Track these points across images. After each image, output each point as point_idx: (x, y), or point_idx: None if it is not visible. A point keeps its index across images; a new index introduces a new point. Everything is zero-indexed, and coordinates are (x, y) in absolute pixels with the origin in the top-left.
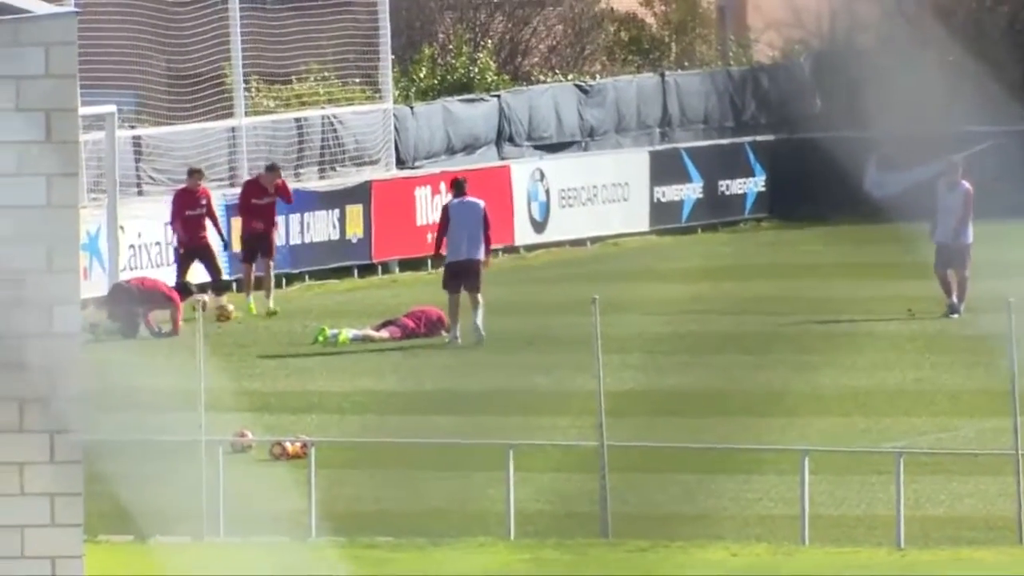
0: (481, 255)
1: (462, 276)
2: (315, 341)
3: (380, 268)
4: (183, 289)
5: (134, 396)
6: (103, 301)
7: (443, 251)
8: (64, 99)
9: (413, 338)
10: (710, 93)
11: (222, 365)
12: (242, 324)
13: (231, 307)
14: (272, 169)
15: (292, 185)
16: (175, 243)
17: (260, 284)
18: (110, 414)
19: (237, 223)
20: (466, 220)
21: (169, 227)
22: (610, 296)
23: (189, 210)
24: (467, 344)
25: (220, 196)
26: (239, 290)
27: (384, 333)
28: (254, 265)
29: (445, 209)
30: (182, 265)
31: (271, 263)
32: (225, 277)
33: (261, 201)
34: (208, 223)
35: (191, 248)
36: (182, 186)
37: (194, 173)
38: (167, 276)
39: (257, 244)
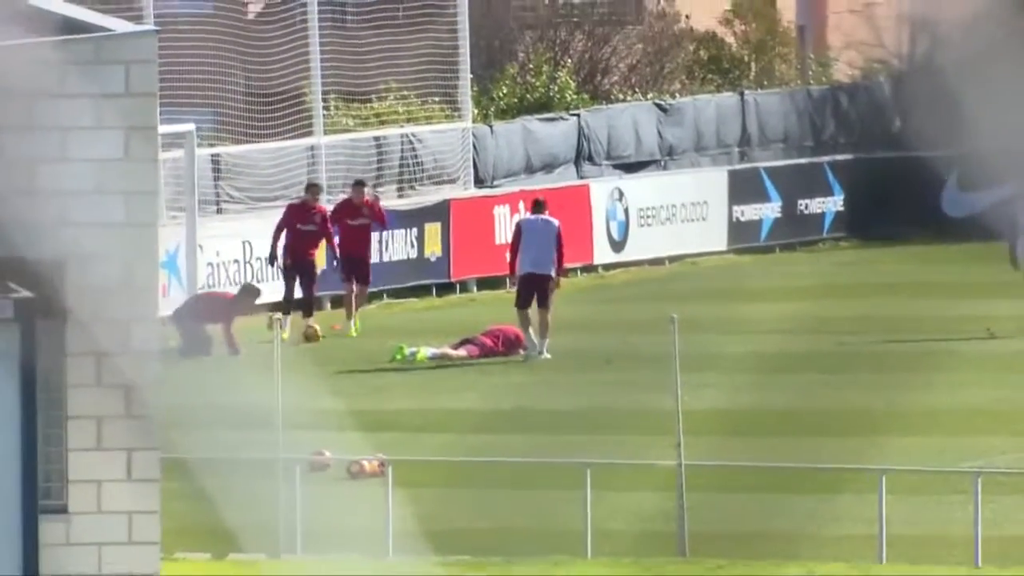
0: (551, 271)
1: (531, 289)
2: (393, 359)
3: (458, 287)
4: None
5: (211, 414)
6: (171, 319)
7: (514, 271)
8: (144, 117)
9: (491, 357)
10: (789, 112)
11: (300, 383)
12: (323, 342)
13: (318, 328)
14: (358, 184)
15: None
16: (279, 256)
17: (349, 304)
18: (187, 432)
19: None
20: (538, 236)
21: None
22: (688, 315)
23: (301, 224)
24: (544, 363)
25: None
26: (333, 308)
27: (462, 352)
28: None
29: (518, 225)
30: (288, 281)
31: (364, 288)
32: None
33: (355, 222)
34: (321, 241)
35: (296, 263)
36: (297, 200)
37: (311, 188)
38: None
39: (352, 268)
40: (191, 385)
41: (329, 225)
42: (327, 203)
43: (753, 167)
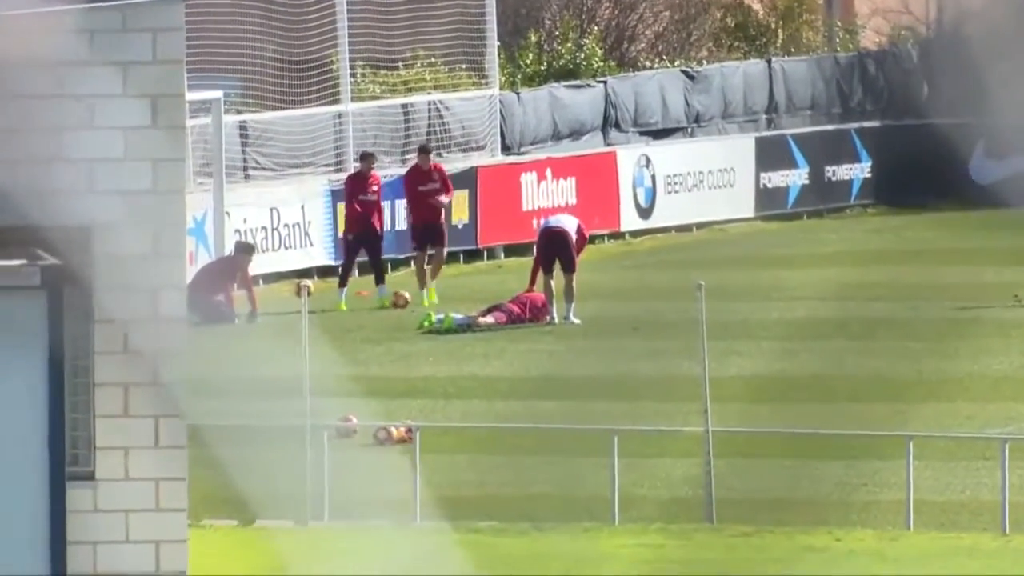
0: (572, 230)
1: (552, 251)
2: (420, 326)
3: (486, 253)
4: (344, 281)
5: (240, 381)
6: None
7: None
8: (171, 84)
9: (518, 324)
10: (816, 79)
11: (327, 351)
12: (349, 312)
13: (406, 294)
14: (424, 150)
15: (398, 171)
16: (344, 230)
17: (422, 272)
18: (215, 399)
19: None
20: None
21: (337, 212)
22: (715, 282)
23: (361, 195)
24: (571, 330)
25: (326, 182)
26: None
27: (489, 319)
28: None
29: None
30: (349, 253)
31: (441, 252)
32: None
33: (425, 188)
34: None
35: (360, 234)
36: (354, 170)
37: (367, 157)
38: (272, 262)
39: (427, 234)
40: (216, 353)
41: (380, 194)
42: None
43: (780, 134)
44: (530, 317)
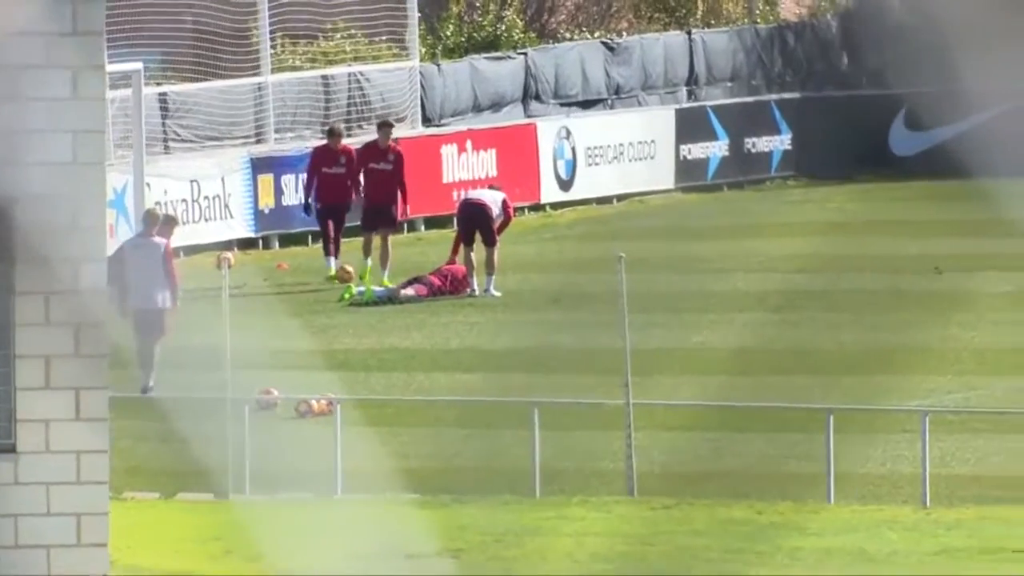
0: (495, 205)
1: (474, 224)
2: (341, 299)
3: (406, 226)
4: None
5: (161, 354)
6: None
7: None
8: (91, 56)
9: (439, 296)
10: (736, 51)
11: (248, 324)
12: (267, 283)
13: (350, 268)
14: (385, 126)
15: (320, 142)
16: (311, 200)
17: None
18: (136, 371)
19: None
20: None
21: (302, 184)
22: (636, 254)
23: (326, 168)
24: (492, 302)
25: (246, 153)
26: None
27: (410, 291)
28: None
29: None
30: (322, 222)
31: (388, 233)
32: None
33: (379, 166)
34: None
35: (329, 205)
36: (322, 142)
37: (332, 133)
38: (193, 234)
39: (376, 215)
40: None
41: (355, 165)
42: (274, 142)
43: (700, 106)
44: (451, 289)
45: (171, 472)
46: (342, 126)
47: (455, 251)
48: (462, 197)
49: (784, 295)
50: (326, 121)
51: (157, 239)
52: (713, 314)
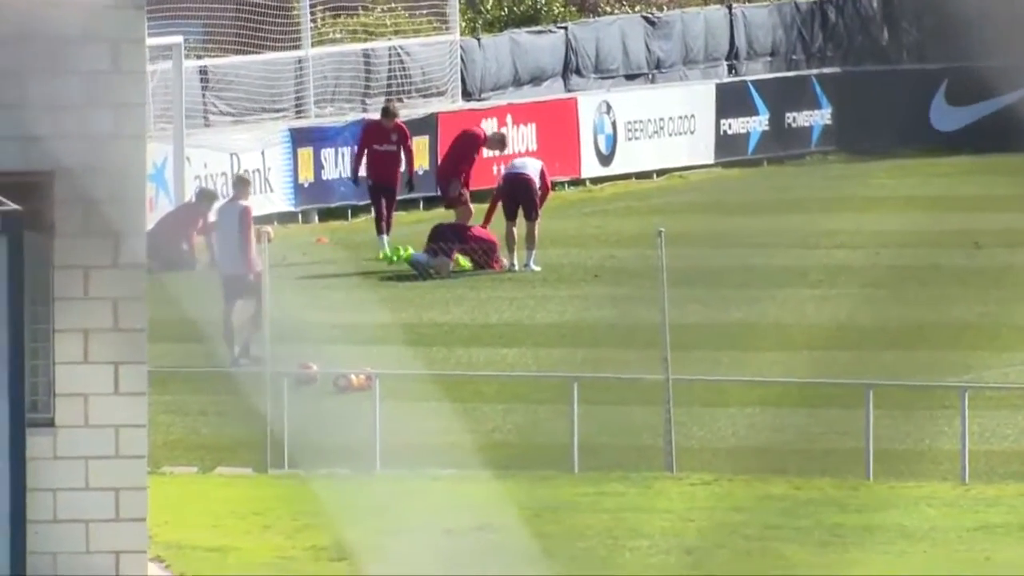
0: (535, 175)
1: (516, 197)
2: (387, 259)
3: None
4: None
5: (199, 328)
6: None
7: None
8: (132, 29)
9: (469, 255)
10: (777, 25)
11: (287, 298)
12: (306, 257)
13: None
14: (389, 110)
15: (360, 116)
16: (363, 176)
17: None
18: (173, 345)
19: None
20: (520, 166)
21: (344, 158)
22: (676, 229)
23: (378, 144)
24: (532, 277)
25: (285, 127)
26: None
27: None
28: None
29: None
30: (374, 199)
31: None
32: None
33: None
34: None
35: (379, 184)
36: (375, 118)
37: (386, 111)
38: None
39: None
40: (179, 299)
41: (409, 142)
42: (314, 116)
43: (741, 80)
44: (478, 251)
45: (210, 446)
46: (397, 105)
47: (489, 217)
48: (504, 170)
49: (824, 270)
50: (367, 95)
51: (241, 202)
52: (753, 289)
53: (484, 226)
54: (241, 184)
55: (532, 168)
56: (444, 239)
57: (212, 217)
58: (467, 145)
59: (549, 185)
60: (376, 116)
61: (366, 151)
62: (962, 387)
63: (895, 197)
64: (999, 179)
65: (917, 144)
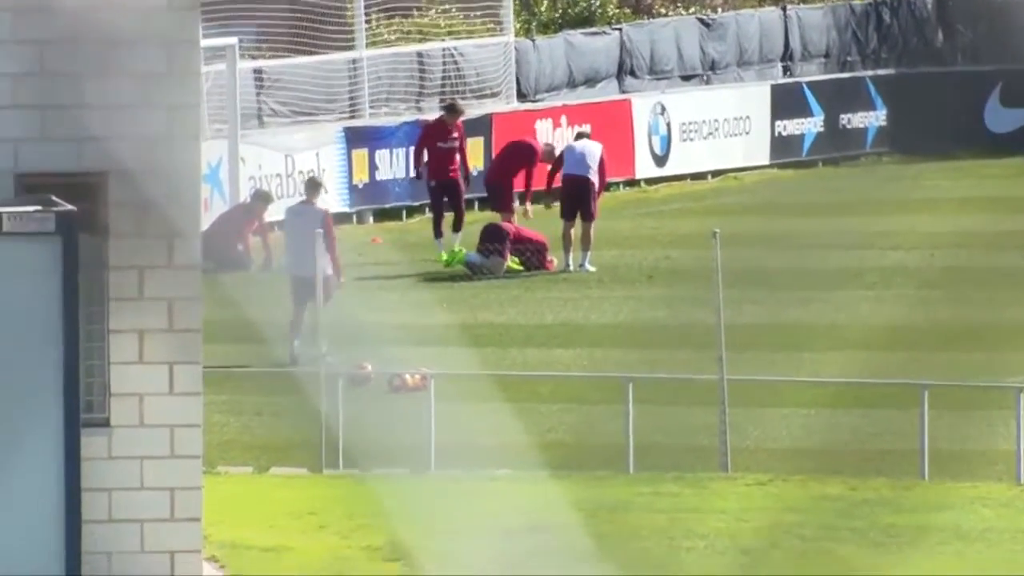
0: (594, 177)
1: (574, 198)
2: (447, 263)
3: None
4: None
5: (255, 328)
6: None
7: (554, 184)
8: (187, 31)
9: (521, 254)
10: (831, 27)
11: (342, 298)
12: (361, 257)
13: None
14: (454, 109)
15: (413, 118)
16: (422, 171)
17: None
18: (229, 345)
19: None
20: (581, 154)
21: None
22: (731, 230)
23: (440, 142)
24: (586, 277)
25: (340, 128)
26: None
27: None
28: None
29: (562, 153)
30: (435, 199)
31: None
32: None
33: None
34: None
35: (440, 182)
36: (436, 116)
37: (452, 110)
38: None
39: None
40: (234, 299)
41: (464, 141)
42: (369, 117)
43: (795, 81)
44: (525, 247)
45: (264, 446)
46: (462, 103)
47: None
48: (564, 158)
49: (878, 271)
50: (422, 95)
51: (319, 206)
52: (807, 290)
53: (548, 186)
54: (313, 186)
55: (592, 154)
56: (496, 239)
57: (267, 217)
58: (522, 157)
59: (605, 171)
60: (431, 116)
61: (425, 149)
62: (1018, 388)
63: (949, 198)
64: None
65: (971, 146)
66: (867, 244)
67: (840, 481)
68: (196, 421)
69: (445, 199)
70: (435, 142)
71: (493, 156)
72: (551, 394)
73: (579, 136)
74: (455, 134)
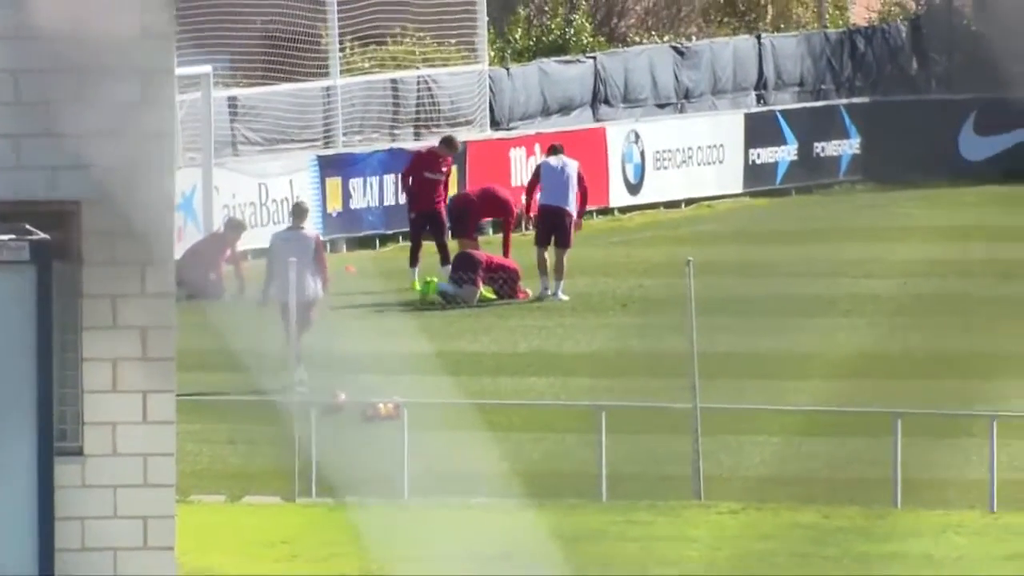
0: (571, 206)
1: (549, 226)
2: (422, 293)
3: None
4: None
5: (227, 357)
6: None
7: (532, 211)
8: (161, 60)
9: (491, 284)
10: (806, 55)
11: (315, 326)
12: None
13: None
14: (450, 142)
15: (387, 146)
16: (408, 203)
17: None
18: (202, 374)
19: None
20: (556, 176)
21: (400, 184)
22: (704, 258)
23: (429, 173)
24: (559, 305)
25: (314, 156)
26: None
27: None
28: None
29: (538, 167)
30: (415, 230)
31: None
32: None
33: (433, 176)
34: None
35: (423, 212)
36: (428, 147)
37: (449, 142)
38: (261, 237)
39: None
40: (209, 327)
41: (449, 175)
42: (343, 145)
43: (769, 110)
44: (499, 275)
45: (237, 474)
46: (459, 140)
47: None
48: (539, 165)
49: (852, 299)
50: (396, 124)
51: (308, 231)
52: (781, 318)
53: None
54: (300, 211)
55: (570, 176)
56: (468, 268)
57: (240, 246)
58: (497, 210)
59: (585, 187)
60: (405, 145)
61: (410, 178)
62: (991, 415)
63: (923, 227)
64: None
65: (945, 174)
66: (840, 272)
67: (813, 509)
68: (169, 450)
69: (427, 228)
70: (423, 172)
71: (467, 188)
72: (524, 422)
73: (552, 150)
74: (444, 168)
